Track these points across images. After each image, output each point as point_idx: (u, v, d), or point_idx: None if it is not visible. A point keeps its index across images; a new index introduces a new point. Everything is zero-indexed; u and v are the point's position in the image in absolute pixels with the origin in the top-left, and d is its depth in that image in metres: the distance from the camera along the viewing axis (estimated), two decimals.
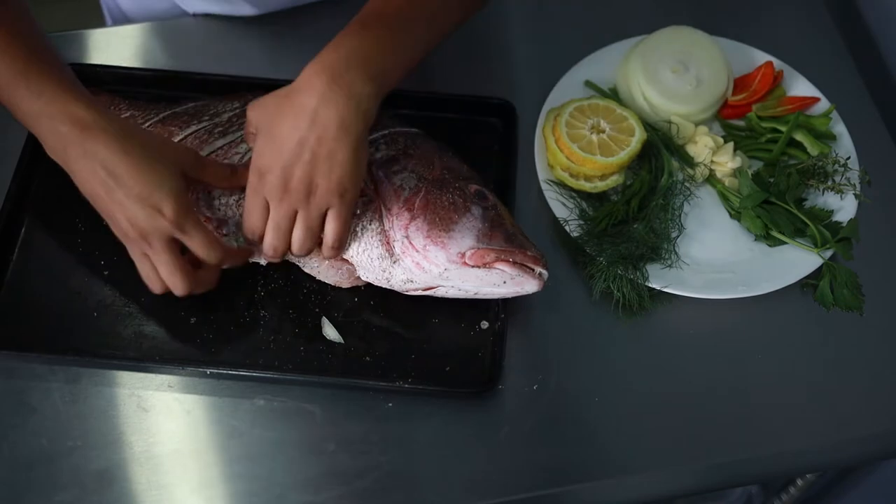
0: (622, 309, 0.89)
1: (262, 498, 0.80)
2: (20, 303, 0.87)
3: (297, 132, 0.75)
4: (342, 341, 0.86)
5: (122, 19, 1.15)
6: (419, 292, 0.84)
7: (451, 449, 0.82)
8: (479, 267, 0.81)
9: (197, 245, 0.79)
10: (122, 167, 0.76)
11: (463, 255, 0.81)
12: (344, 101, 0.75)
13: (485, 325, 0.87)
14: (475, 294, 0.83)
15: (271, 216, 0.79)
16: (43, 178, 0.94)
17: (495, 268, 0.81)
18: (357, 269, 0.85)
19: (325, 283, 0.88)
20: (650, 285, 0.89)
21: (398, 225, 0.82)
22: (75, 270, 0.88)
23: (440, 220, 0.82)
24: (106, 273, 0.88)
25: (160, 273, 0.80)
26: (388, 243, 0.82)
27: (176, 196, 0.77)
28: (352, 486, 0.80)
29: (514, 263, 0.81)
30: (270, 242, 0.80)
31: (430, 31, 0.85)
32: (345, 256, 0.84)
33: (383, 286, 0.85)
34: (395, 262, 0.83)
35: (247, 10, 1.05)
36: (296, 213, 0.78)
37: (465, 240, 0.81)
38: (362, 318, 0.87)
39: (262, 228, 0.80)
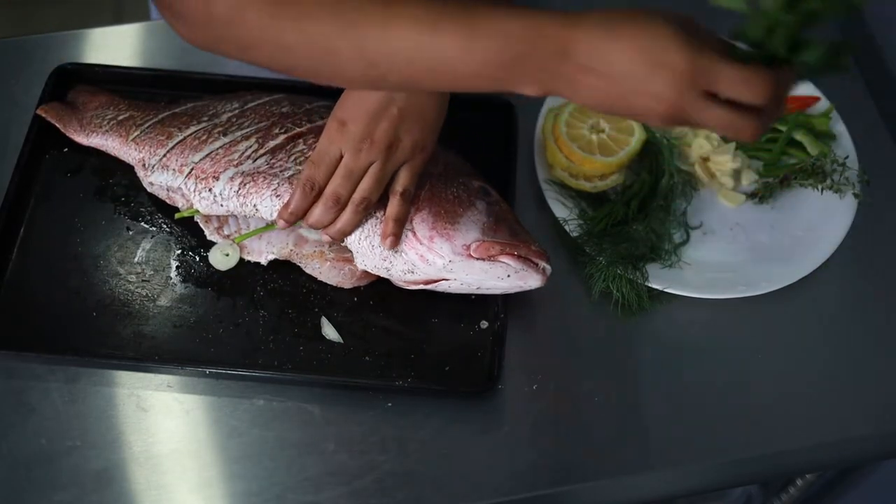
0: (621, 309, 0.89)
1: (261, 498, 0.79)
2: (19, 303, 0.86)
3: (386, 95, 0.76)
4: (342, 341, 0.85)
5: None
6: (419, 286, 0.84)
7: (450, 449, 0.82)
8: (483, 260, 0.81)
9: (738, 92, 0.64)
10: (614, 57, 0.62)
11: (468, 247, 0.81)
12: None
13: (485, 324, 0.87)
14: (477, 288, 0.84)
15: (344, 163, 0.78)
16: (42, 177, 0.93)
17: (500, 261, 0.81)
18: (356, 256, 0.84)
19: (324, 283, 0.88)
20: (650, 285, 0.89)
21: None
22: (75, 270, 0.88)
23: (445, 213, 0.82)
24: (105, 273, 0.88)
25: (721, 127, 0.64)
26: None
27: (686, 54, 0.64)
28: (351, 486, 0.80)
29: (519, 257, 0.81)
30: (334, 190, 0.78)
31: None
32: (345, 242, 0.84)
33: (381, 275, 0.85)
34: (396, 252, 0.82)
35: None
36: (370, 165, 0.78)
37: (470, 232, 0.81)
38: (362, 318, 0.87)
39: (325, 181, 0.79)
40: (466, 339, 0.86)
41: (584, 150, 0.92)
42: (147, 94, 0.98)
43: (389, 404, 0.84)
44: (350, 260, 0.85)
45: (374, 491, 0.80)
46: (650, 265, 0.90)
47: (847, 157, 0.97)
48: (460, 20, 0.63)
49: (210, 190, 0.86)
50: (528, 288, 0.83)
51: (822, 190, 0.95)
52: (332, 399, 0.84)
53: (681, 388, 0.86)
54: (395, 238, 0.81)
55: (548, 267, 0.82)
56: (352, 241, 0.84)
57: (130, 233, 0.91)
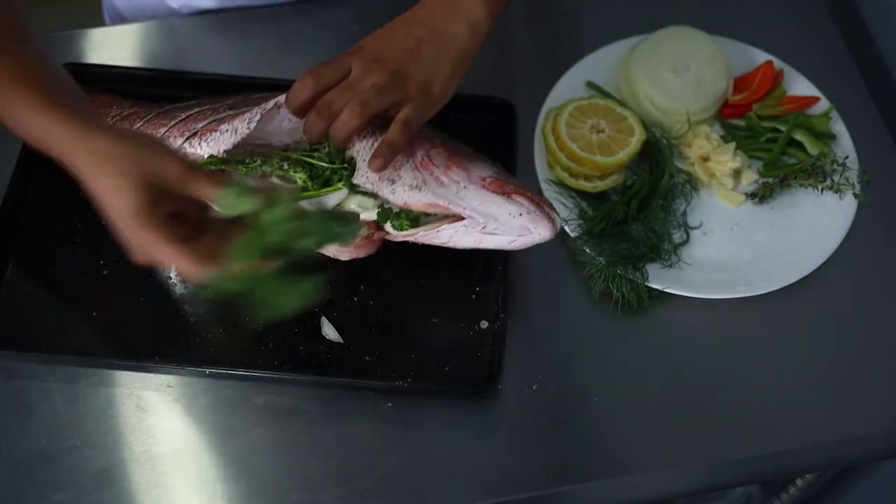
0: (621, 309, 0.89)
1: (261, 498, 0.79)
2: (19, 303, 0.86)
3: (408, 32, 0.79)
4: (342, 341, 0.85)
5: (119, 19, 1.15)
6: (420, 235, 0.81)
7: (450, 449, 0.82)
8: (497, 194, 0.80)
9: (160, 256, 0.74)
10: (97, 186, 0.72)
11: (483, 179, 0.80)
12: (458, 18, 0.79)
13: (484, 324, 0.87)
14: (482, 231, 0.80)
15: (349, 77, 0.78)
16: (42, 177, 0.93)
17: (514, 199, 0.79)
18: (359, 168, 0.81)
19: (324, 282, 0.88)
20: (650, 285, 0.89)
21: (419, 144, 0.81)
22: (74, 270, 0.88)
23: (461, 153, 0.82)
24: (105, 273, 0.88)
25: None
26: (408, 143, 0.80)
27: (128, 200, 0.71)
28: (351, 486, 0.80)
29: (532, 199, 0.80)
30: (329, 98, 0.78)
31: None
32: (353, 150, 0.81)
33: (384, 191, 0.81)
34: (410, 164, 0.80)
35: (210, 4, 1.05)
36: (373, 86, 0.77)
37: (485, 170, 0.81)
38: (362, 318, 0.87)
39: (327, 82, 0.78)
40: (466, 339, 0.86)
41: (584, 150, 0.92)
42: (147, 94, 0.98)
43: (389, 404, 0.84)
44: (354, 156, 0.83)
45: (374, 491, 0.80)
46: (650, 265, 0.90)
47: (847, 157, 0.97)
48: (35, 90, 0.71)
49: (216, 130, 0.85)
50: (537, 238, 0.80)
51: (822, 190, 0.95)
52: (332, 399, 0.84)
53: (681, 388, 0.86)
54: (384, 162, 0.78)
55: (558, 220, 0.81)
56: (358, 150, 0.81)
57: None
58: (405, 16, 0.82)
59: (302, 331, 0.86)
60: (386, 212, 0.82)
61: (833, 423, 0.85)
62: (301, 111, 0.80)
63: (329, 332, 0.86)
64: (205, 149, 0.86)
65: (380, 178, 0.81)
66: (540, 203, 0.80)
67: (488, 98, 0.98)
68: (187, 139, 0.87)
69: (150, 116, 0.91)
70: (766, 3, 1.12)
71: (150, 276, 0.88)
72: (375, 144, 0.80)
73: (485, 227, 0.80)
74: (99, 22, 1.20)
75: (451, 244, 0.82)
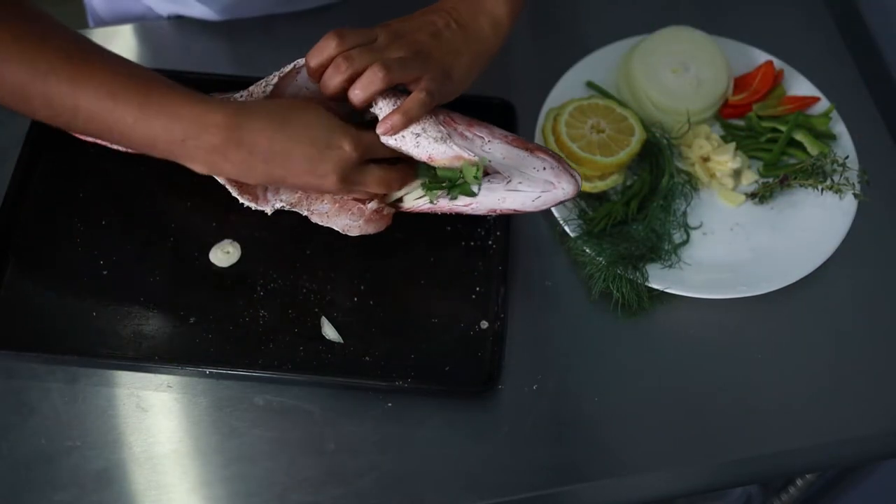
0: (621, 309, 0.89)
1: (261, 498, 0.79)
2: (19, 303, 0.86)
3: (435, 18, 0.80)
4: (341, 341, 0.85)
5: (101, 24, 1.15)
6: (441, 202, 0.81)
7: (450, 449, 0.82)
8: (520, 148, 0.79)
9: (374, 190, 0.80)
10: (288, 143, 0.75)
11: (506, 136, 0.80)
12: (482, 14, 0.81)
13: (484, 325, 0.87)
14: (507, 184, 0.79)
15: (377, 43, 0.78)
16: (42, 177, 0.93)
17: (537, 154, 0.79)
18: (381, 120, 0.78)
19: (324, 282, 0.88)
20: (650, 285, 0.89)
21: (438, 108, 0.80)
22: (74, 270, 0.88)
23: (480, 120, 0.82)
24: (105, 273, 0.88)
25: (376, 191, 0.81)
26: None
27: (338, 162, 0.76)
28: (351, 486, 0.80)
29: (555, 156, 0.80)
30: (349, 54, 0.76)
31: None
32: (376, 108, 0.79)
33: (408, 147, 0.79)
34: (433, 118, 0.79)
35: (210, 16, 1.05)
36: (397, 57, 0.77)
37: (505, 131, 0.81)
38: (362, 318, 0.87)
39: (350, 43, 0.77)
40: (466, 339, 0.86)
41: (584, 150, 0.92)
42: None
43: (389, 404, 0.84)
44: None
45: (374, 491, 0.80)
46: (650, 265, 0.90)
47: (847, 157, 0.97)
48: (136, 95, 0.73)
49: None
50: (560, 194, 0.79)
51: (822, 190, 0.95)
52: (332, 399, 0.84)
53: (681, 388, 0.86)
54: (392, 129, 0.78)
55: (580, 177, 0.80)
56: (383, 107, 0.79)
57: (130, 233, 0.91)
58: (428, 8, 0.82)
59: (302, 331, 0.86)
60: (431, 184, 0.82)
61: (833, 424, 0.85)
62: (320, 71, 0.78)
63: (329, 332, 0.86)
64: None
65: (404, 133, 0.79)
66: (562, 161, 0.80)
67: (488, 98, 0.97)
68: None
69: None
70: (766, 3, 1.12)
71: (150, 276, 0.88)
72: (398, 103, 0.78)
73: (509, 181, 0.79)
74: (86, 25, 1.20)
75: (471, 209, 0.81)
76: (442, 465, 0.81)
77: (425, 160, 0.79)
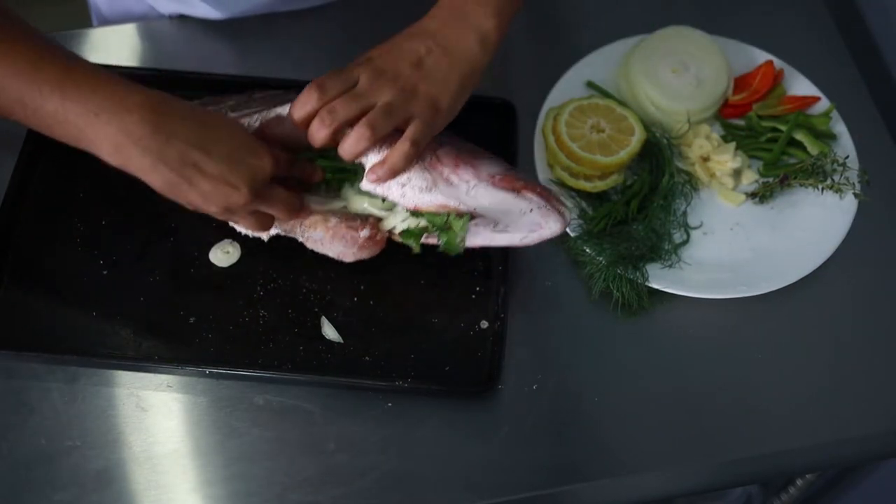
0: (621, 309, 0.89)
1: (261, 497, 0.79)
2: (19, 302, 0.86)
3: (418, 44, 0.78)
4: (341, 341, 0.85)
5: (105, 23, 1.15)
6: (430, 237, 0.82)
7: (450, 449, 0.82)
8: (507, 190, 0.79)
9: (277, 213, 0.80)
10: (207, 141, 0.73)
11: (493, 176, 0.79)
12: (467, 31, 0.79)
13: (485, 324, 0.87)
14: (493, 230, 0.81)
15: (357, 87, 0.76)
16: (42, 177, 0.93)
17: (524, 195, 0.79)
18: (368, 170, 0.79)
19: (324, 282, 0.88)
20: (650, 285, 0.89)
21: (427, 146, 0.80)
22: (74, 270, 0.88)
23: (469, 153, 0.81)
24: (105, 273, 0.88)
25: (254, 228, 0.81)
26: None
27: (253, 174, 0.75)
28: (351, 486, 0.80)
29: (542, 193, 0.80)
30: (333, 105, 0.76)
31: None
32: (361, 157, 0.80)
33: (394, 194, 0.80)
34: (417, 167, 0.79)
35: (213, 14, 1.05)
36: (381, 106, 0.76)
37: (494, 167, 0.80)
38: (362, 318, 0.87)
39: (333, 92, 0.76)
40: (466, 339, 0.86)
41: (584, 149, 0.92)
42: None
43: (389, 404, 0.84)
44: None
45: (374, 491, 0.80)
46: (650, 265, 0.90)
47: (847, 157, 0.97)
48: (60, 67, 0.72)
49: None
50: (547, 234, 0.80)
51: (823, 190, 0.95)
52: (332, 399, 0.84)
53: (681, 388, 0.86)
54: (380, 182, 0.79)
55: (568, 213, 0.80)
56: (369, 155, 0.80)
57: (130, 233, 0.91)
58: (415, 27, 0.80)
59: (302, 331, 0.86)
60: (412, 232, 0.83)
61: (833, 423, 0.85)
62: (305, 123, 0.78)
63: (329, 332, 0.86)
64: None
65: (389, 183, 0.80)
66: (549, 198, 0.80)
67: (488, 98, 0.97)
68: None
69: None
70: (766, 3, 1.12)
71: (150, 276, 0.88)
72: (384, 150, 0.79)
73: (496, 225, 0.80)
74: (90, 23, 1.20)
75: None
76: (442, 465, 0.81)
77: (411, 209, 0.81)
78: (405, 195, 0.80)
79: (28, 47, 0.73)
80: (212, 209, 0.76)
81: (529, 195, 0.79)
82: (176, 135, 0.72)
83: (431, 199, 0.80)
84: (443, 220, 0.81)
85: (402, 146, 0.77)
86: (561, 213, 0.80)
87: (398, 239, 0.85)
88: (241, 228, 0.85)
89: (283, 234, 0.86)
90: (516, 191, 0.79)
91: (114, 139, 0.72)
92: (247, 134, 0.77)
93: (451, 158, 0.80)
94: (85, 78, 0.72)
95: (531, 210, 0.79)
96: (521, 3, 0.85)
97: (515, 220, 0.80)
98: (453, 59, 0.79)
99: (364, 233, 0.83)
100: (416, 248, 0.84)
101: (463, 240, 0.81)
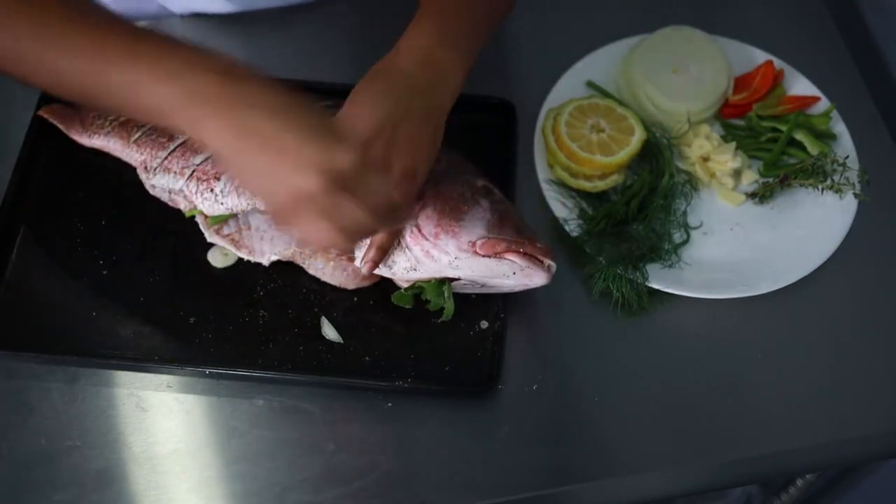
0: (621, 309, 0.89)
1: (261, 498, 0.79)
2: (19, 302, 0.86)
3: (381, 110, 0.72)
4: (341, 341, 0.85)
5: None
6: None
7: (450, 449, 0.82)
8: (489, 257, 0.80)
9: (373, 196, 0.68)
10: (285, 106, 0.66)
11: (474, 244, 0.80)
12: (435, 81, 0.75)
13: (484, 324, 0.87)
14: (482, 286, 0.83)
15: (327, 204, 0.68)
16: (42, 177, 0.93)
17: (505, 258, 0.80)
18: (357, 259, 0.84)
19: (324, 282, 0.88)
20: (650, 285, 0.89)
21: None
22: (74, 270, 0.88)
23: (450, 210, 0.81)
24: (105, 273, 0.88)
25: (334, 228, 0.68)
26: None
27: (352, 138, 0.67)
28: (351, 486, 0.80)
29: (524, 254, 0.80)
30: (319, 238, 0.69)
31: (491, 14, 0.85)
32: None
33: (385, 275, 0.84)
34: (399, 249, 0.82)
35: (227, 8, 1.05)
36: (355, 217, 0.68)
37: (475, 229, 0.81)
38: (362, 318, 0.87)
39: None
40: (466, 339, 0.86)
41: (584, 149, 0.92)
42: None
43: (389, 404, 0.84)
44: (353, 259, 0.85)
45: (374, 491, 0.80)
46: (650, 265, 0.90)
47: (847, 157, 0.97)
48: (130, 35, 0.69)
49: (211, 190, 0.86)
50: (534, 286, 0.82)
51: (823, 190, 0.95)
52: (332, 399, 0.84)
53: (681, 388, 0.86)
54: (373, 265, 0.82)
55: (553, 264, 0.82)
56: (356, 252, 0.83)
57: (130, 233, 0.91)
58: (379, 81, 0.74)
59: (302, 331, 0.86)
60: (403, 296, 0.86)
61: (833, 423, 0.85)
62: None
63: (329, 332, 0.86)
64: (200, 202, 0.86)
65: (378, 267, 0.83)
66: (532, 256, 0.81)
67: (488, 98, 0.98)
68: (189, 178, 0.87)
69: (146, 127, 0.91)
70: (766, 3, 1.12)
71: (150, 277, 0.88)
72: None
73: (483, 286, 0.83)
74: None
75: (460, 286, 0.84)
76: (442, 465, 0.81)
77: (404, 284, 0.84)
78: (395, 274, 0.84)
79: (94, 17, 0.70)
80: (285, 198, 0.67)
81: (511, 258, 0.81)
82: (252, 97, 0.66)
83: (419, 276, 0.83)
84: (433, 283, 0.84)
85: (369, 254, 0.81)
86: (546, 268, 0.82)
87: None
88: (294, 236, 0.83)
89: (283, 259, 0.87)
90: (498, 255, 0.80)
91: (190, 104, 0.66)
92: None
93: (431, 226, 0.81)
94: (158, 42, 0.68)
95: (514, 273, 0.81)
96: (488, 33, 0.82)
97: (500, 281, 0.82)
98: (424, 121, 0.74)
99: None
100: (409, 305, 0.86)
101: (451, 302, 0.84)
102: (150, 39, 0.69)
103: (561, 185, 0.94)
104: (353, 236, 0.70)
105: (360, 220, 0.67)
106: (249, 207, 0.85)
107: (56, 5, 0.71)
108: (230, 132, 0.65)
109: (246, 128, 0.65)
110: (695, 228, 0.94)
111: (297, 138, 0.65)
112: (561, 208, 0.92)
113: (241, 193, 0.84)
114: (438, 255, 0.81)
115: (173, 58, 0.67)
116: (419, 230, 0.81)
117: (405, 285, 0.85)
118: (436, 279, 0.83)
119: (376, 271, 0.84)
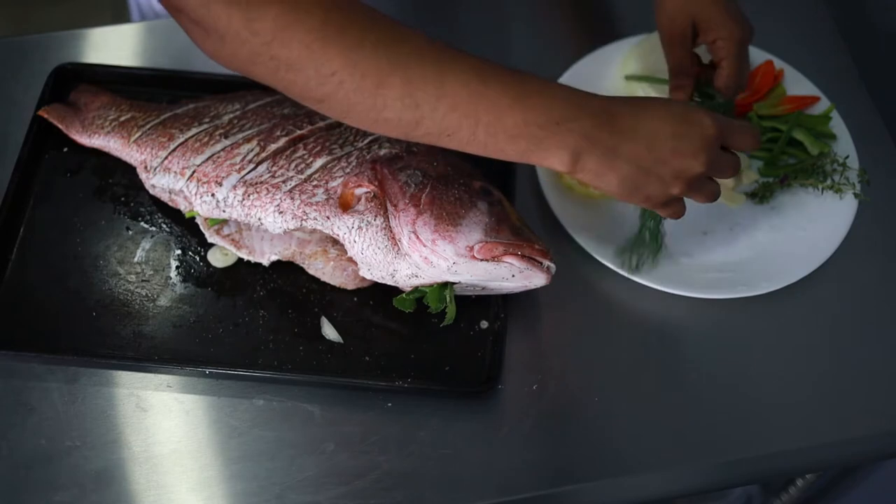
0: (622, 308, 0.89)
1: (261, 498, 0.79)
2: (19, 302, 0.86)
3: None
4: (341, 341, 0.85)
5: (152, 14, 1.14)
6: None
7: (450, 449, 0.82)
8: (487, 260, 0.80)
9: (743, 140, 0.76)
10: (651, 124, 0.72)
11: (471, 248, 0.80)
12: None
13: (484, 324, 0.87)
14: (482, 289, 0.84)
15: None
16: (42, 177, 0.93)
17: (504, 261, 0.80)
18: (360, 266, 0.84)
19: (324, 282, 0.88)
20: (650, 285, 0.89)
21: (404, 220, 0.82)
22: (74, 270, 0.88)
23: (447, 215, 0.81)
24: (105, 273, 0.88)
25: (728, 172, 0.77)
26: (393, 239, 0.82)
27: (707, 113, 0.73)
28: (351, 486, 0.80)
29: (523, 257, 0.80)
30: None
31: None
32: (349, 254, 0.84)
33: (388, 283, 0.84)
34: (400, 257, 0.82)
35: None
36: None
37: (473, 234, 0.81)
38: (362, 318, 0.87)
39: None
40: (466, 339, 0.86)
41: None
42: (147, 94, 0.98)
43: (389, 404, 0.84)
44: (354, 260, 0.85)
45: (374, 491, 0.80)
46: (650, 265, 0.90)
47: (847, 157, 0.97)
48: (509, 79, 0.69)
49: (212, 195, 0.86)
50: (534, 287, 0.82)
51: (823, 190, 0.95)
52: (332, 399, 0.84)
53: (681, 388, 0.86)
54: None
55: (552, 265, 0.82)
56: (355, 253, 0.83)
57: (130, 232, 0.91)
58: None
59: (302, 331, 0.86)
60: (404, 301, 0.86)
61: (834, 424, 0.85)
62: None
63: (328, 331, 0.86)
64: (199, 204, 0.86)
65: (381, 276, 0.84)
66: (532, 258, 0.81)
67: None
68: (189, 178, 0.87)
69: (147, 127, 0.91)
70: (766, 3, 1.12)
71: (150, 277, 0.88)
72: (374, 231, 0.82)
73: (483, 289, 0.84)
74: (100, 22, 1.20)
75: (461, 289, 0.85)
76: (442, 465, 0.81)
77: (407, 288, 0.84)
78: (398, 282, 0.84)
79: (461, 54, 0.69)
80: (674, 191, 0.74)
81: (510, 261, 0.80)
82: (626, 127, 0.71)
83: (422, 281, 0.83)
84: (436, 288, 0.84)
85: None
86: (545, 269, 0.82)
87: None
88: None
89: (283, 259, 0.87)
90: (496, 259, 0.80)
91: (573, 144, 0.70)
92: (680, 105, 0.75)
93: (429, 232, 0.81)
94: (535, 86, 0.70)
95: (513, 275, 0.81)
96: None
97: (500, 284, 0.83)
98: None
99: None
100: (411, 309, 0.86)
101: (453, 305, 0.84)
102: (533, 80, 0.70)
103: (569, 191, 0.94)
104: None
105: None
106: (253, 224, 0.85)
107: (410, 30, 0.69)
108: (617, 171, 0.72)
109: (631, 138, 0.72)
110: (695, 228, 0.94)
111: (673, 143, 0.73)
112: (561, 207, 0.92)
113: (246, 207, 0.84)
114: (437, 261, 0.81)
115: (562, 104, 0.70)
116: (417, 237, 0.81)
117: (408, 289, 0.85)
118: (437, 283, 0.83)
119: (382, 279, 0.84)
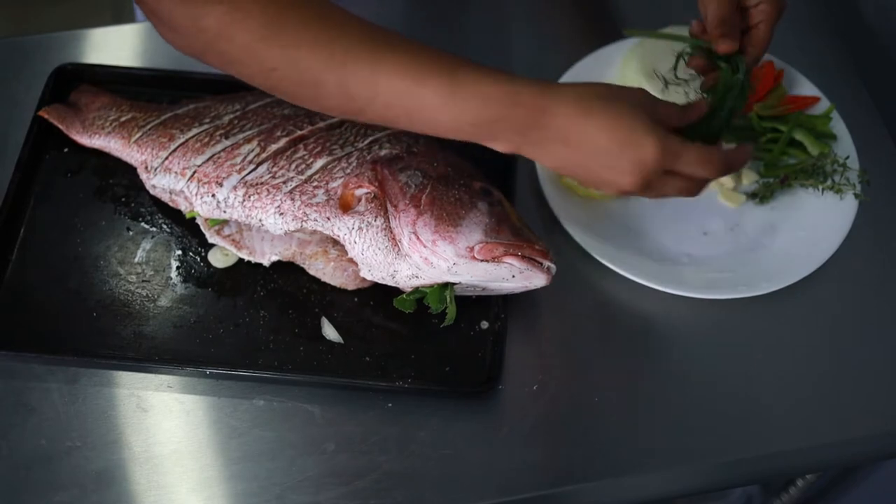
0: (621, 309, 0.89)
1: (261, 498, 0.79)
2: (19, 303, 0.87)
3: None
4: (342, 341, 0.85)
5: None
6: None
7: (451, 449, 0.82)
8: (487, 261, 0.80)
9: (695, 171, 0.74)
10: (586, 135, 0.71)
11: (472, 249, 0.80)
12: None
13: (485, 325, 0.87)
14: (483, 290, 0.84)
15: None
16: (42, 177, 0.94)
17: (504, 262, 0.80)
18: (361, 267, 0.84)
19: (325, 283, 0.88)
20: (650, 286, 0.89)
21: (405, 221, 0.82)
22: (75, 271, 0.88)
23: (447, 216, 0.81)
24: (105, 273, 0.88)
25: (674, 193, 0.76)
26: (393, 240, 0.82)
27: (655, 139, 0.71)
28: (351, 486, 0.80)
29: (523, 257, 0.80)
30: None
31: None
32: (350, 255, 0.84)
33: (388, 284, 0.84)
34: (400, 258, 0.82)
35: None
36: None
37: (473, 234, 0.81)
38: (362, 318, 0.87)
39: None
40: (467, 339, 0.86)
41: None
42: (147, 94, 0.98)
43: (389, 404, 0.84)
44: (354, 261, 0.85)
45: (374, 491, 0.80)
46: (650, 265, 0.90)
47: (847, 157, 0.97)
48: (443, 77, 0.70)
49: (213, 196, 0.86)
50: (534, 287, 0.82)
51: (823, 190, 0.95)
52: (332, 399, 0.84)
53: (681, 389, 0.86)
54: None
55: (552, 266, 0.82)
56: (356, 253, 0.83)
57: (130, 233, 0.91)
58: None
59: (302, 331, 0.86)
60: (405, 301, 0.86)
61: (833, 424, 0.85)
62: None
63: (329, 332, 0.86)
64: (199, 204, 0.87)
65: (382, 277, 0.84)
66: (532, 258, 0.81)
67: None
68: (190, 179, 0.87)
69: (147, 128, 0.91)
70: None
71: (150, 277, 0.88)
72: (374, 232, 0.82)
73: (483, 289, 0.84)
74: (100, 22, 1.20)
75: (461, 289, 0.85)
76: (442, 465, 0.81)
77: (407, 289, 0.84)
78: (398, 282, 0.84)
79: (400, 51, 0.70)
80: (625, 189, 0.74)
81: (510, 261, 0.80)
82: (558, 131, 0.72)
83: (423, 281, 0.83)
84: (435, 288, 0.84)
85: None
86: (545, 270, 0.81)
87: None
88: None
89: (283, 260, 0.88)
90: (496, 259, 0.80)
91: (506, 138, 0.72)
92: (636, 118, 0.72)
93: (429, 232, 0.81)
94: (470, 83, 0.70)
95: (513, 276, 0.81)
96: None
97: (501, 284, 0.83)
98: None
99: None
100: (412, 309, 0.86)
101: (453, 305, 0.84)
102: (466, 69, 0.71)
103: (570, 191, 0.94)
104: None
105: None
106: (254, 225, 0.85)
107: (354, 28, 0.71)
108: (549, 147, 0.73)
109: (563, 143, 0.72)
110: (695, 228, 0.94)
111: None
112: (561, 207, 0.92)
113: (247, 209, 0.85)
114: (437, 262, 0.81)
115: (492, 94, 0.70)
116: (417, 237, 0.81)
117: (408, 289, 0.85)
118: (438, 284, 0.83)
119: (381, 280, 0.84)
